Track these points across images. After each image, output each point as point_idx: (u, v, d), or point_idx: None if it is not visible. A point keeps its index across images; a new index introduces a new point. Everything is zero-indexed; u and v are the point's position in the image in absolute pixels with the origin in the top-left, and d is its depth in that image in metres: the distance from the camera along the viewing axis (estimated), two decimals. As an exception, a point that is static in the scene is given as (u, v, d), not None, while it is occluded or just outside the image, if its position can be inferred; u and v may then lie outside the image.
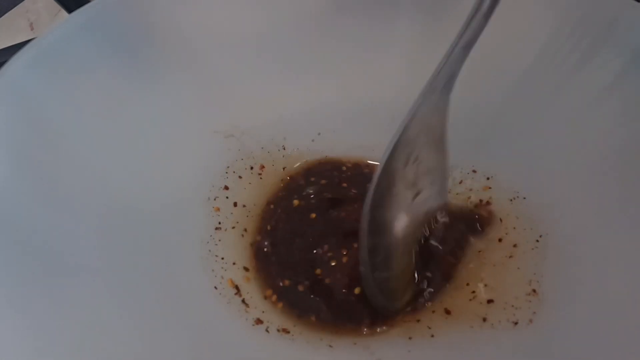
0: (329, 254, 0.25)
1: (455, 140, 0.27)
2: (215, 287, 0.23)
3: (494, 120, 0.26)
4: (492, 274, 0.23)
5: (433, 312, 0.22)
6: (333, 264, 0.25)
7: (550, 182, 0.24)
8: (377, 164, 0.28)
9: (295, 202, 0.28)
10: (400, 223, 0.23)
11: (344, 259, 0.25)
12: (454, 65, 0.20)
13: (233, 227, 0.26)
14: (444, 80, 0.20)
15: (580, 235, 0.22)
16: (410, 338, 0.21)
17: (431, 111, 0.21)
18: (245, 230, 0.26)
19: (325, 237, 0.26)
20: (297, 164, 0.29)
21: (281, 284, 0.24)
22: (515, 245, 0.23)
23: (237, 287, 0.23)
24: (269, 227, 0.27)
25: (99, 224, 0.22)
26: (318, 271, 0.25)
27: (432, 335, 0.21)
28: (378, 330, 0.22)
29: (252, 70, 0.28)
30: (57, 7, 0.38)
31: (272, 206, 0.27)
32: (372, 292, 0.22)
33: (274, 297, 0.24)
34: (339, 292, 0.24)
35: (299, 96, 0.28)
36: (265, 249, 0.26)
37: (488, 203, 0.25)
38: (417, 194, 0.23)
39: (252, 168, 0.28)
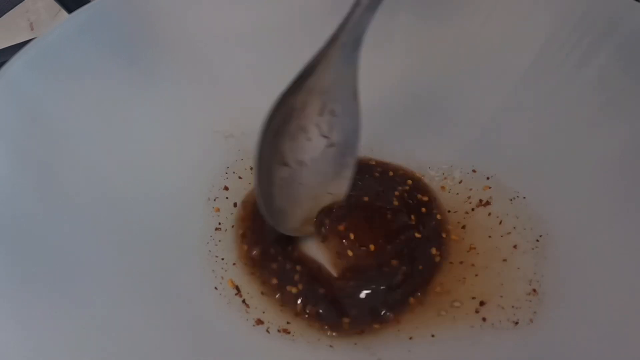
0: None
1: (455, 140, 0.27)
2: (216, 288, 0.23)
3: (494, 120, 0.26)
4: (492, 274, 0.23)
5: (433, 312, 0.22)
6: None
7: (550, 182, 0.24)
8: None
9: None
10: (308, 163, 0.24)
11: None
12: (361, 23, 0.20)
13: (233, 226, 0.26)
14: (352, 37, 0.21)
15: (580, 235, 0.22)
16: (410, 338, 0.21)
17: (342, 66, 0.22)
18: (244, 232, 0.26)
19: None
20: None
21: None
22: (515, 246, 0.23)
23: (237, 288, 0.23)
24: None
25: (98, 224, 0.22)
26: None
27: (433, 335, 0.21)
28: (378, 330, 0.22)
29: (252, 71, 0.28)
30: (57, 7, 0.38)
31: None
32: (259, 204, 0.23)
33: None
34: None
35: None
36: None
37: (488, 203, 0.25)
38: (330, 145, 0.24)
39: (252, 168, 0.28)
